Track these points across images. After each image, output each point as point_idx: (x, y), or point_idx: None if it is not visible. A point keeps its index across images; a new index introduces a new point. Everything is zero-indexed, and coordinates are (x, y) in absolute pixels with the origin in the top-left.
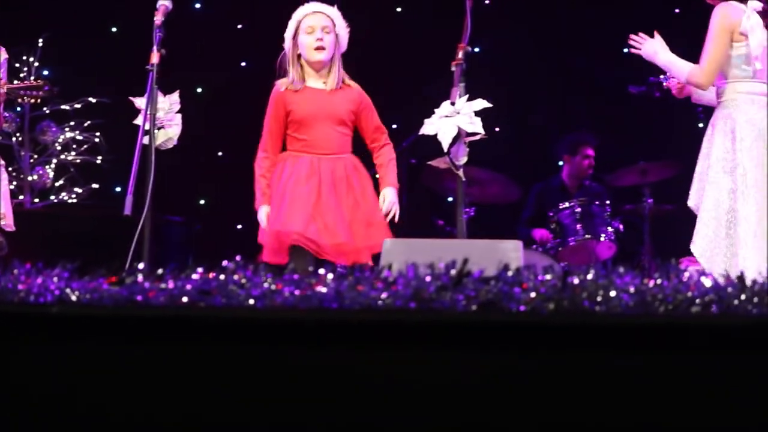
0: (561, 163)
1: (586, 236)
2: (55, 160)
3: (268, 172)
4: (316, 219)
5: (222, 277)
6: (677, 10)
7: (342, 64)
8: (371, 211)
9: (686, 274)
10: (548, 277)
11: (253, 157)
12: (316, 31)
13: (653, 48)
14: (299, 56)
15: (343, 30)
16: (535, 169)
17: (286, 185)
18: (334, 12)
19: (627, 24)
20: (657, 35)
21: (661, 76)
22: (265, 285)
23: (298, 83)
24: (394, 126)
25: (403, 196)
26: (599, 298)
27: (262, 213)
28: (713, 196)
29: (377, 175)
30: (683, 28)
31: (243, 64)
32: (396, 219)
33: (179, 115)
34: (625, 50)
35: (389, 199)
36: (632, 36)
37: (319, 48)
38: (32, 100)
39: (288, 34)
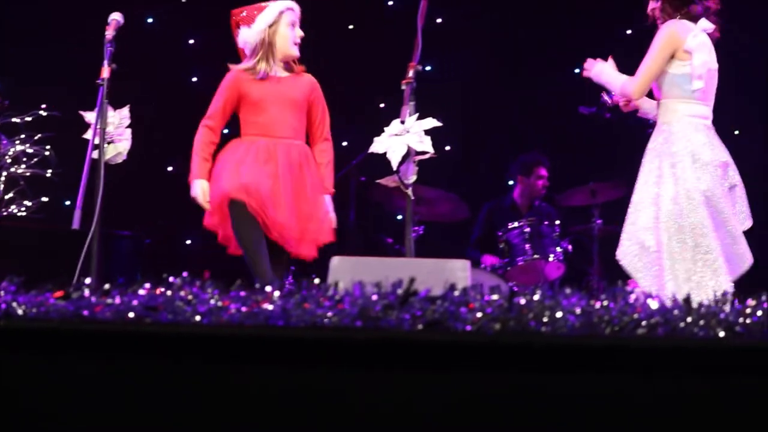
0: (512, 183)
1: (535, 256)
2: (5, 173)
3: (209, 146)
4: (271, 195)
5: (169, 293)
6: (629, 31)
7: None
8: (317, 205)
9: (633, 296)
10: (495, 297)
11: None
12: (297, 26)
13: (600, 68)
14: (270, 44)
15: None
16: (485, 189)
17: (243, 160)
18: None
19: (578, 45)
20: (611, 59)
21: (604, 93)
22: (212, 301)
23: (264, 73)
24: (345, 143)
25: (352, 213)
26: (545, 319)
27: (197, 187)
28: (646, 214)
29: None
30: (637, 48)
31: (194, 79)
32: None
33: (129, 130)
34: (577, 71)
35: (331, 210)
36: (588, 60)
37: (297, 44)
38: None
39: (265, 22)
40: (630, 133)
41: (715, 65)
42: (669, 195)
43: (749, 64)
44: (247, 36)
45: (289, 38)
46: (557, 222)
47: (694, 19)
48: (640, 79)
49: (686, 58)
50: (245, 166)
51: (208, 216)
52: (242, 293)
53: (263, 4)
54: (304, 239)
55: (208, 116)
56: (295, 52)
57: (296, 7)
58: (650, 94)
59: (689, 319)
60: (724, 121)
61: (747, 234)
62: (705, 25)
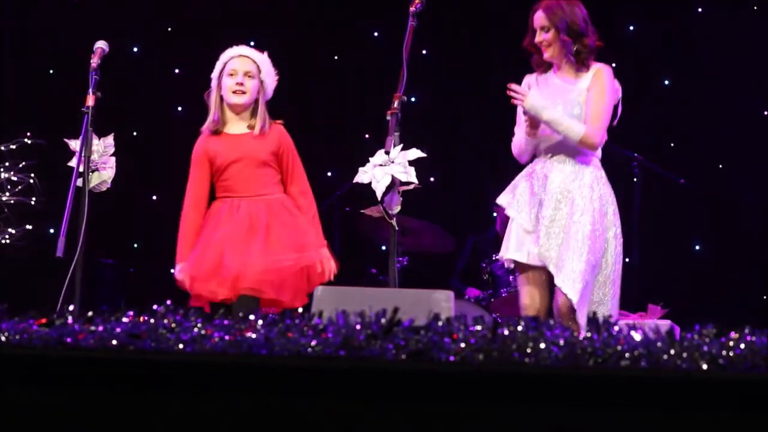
0: (495, 214)
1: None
2: None
3: (193, 226)
4: (217, 268)
5: (152, 321)
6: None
7: (266, 110)
8: (294, 241)
9: (616, 328)
10: (478, 327)
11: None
12: (238, 74)
13: (540, 103)
14: (221, 98)
15: (269, 77)
16: (469, 220)
17: (204, 237)
18: (260, 57)
19: None
20: (534, 89)
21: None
22: (195, 330)
23: (218, 124)
24: (329, 174)
25: (336, 244)
26: (529, 350)
27: (178, 270)
28: (586, 255)
29: None
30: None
31: (179, 108)
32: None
33: (113, 158)
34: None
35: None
36: (512, 86)
37: (238, 92)
38: None
39: (214, 74)
40: (612, 166)
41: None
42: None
43: None
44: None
45: (227, 87)
46: None
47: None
48: (601, 130)
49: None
50: (198, 250)
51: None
52: (225, 322)
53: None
54: (285, 284)
55: (186, 203)
56: (233, 99)
57: (236, 53)
58: None
59: (672, 351)
60: (757, 103)
61: None
62: None
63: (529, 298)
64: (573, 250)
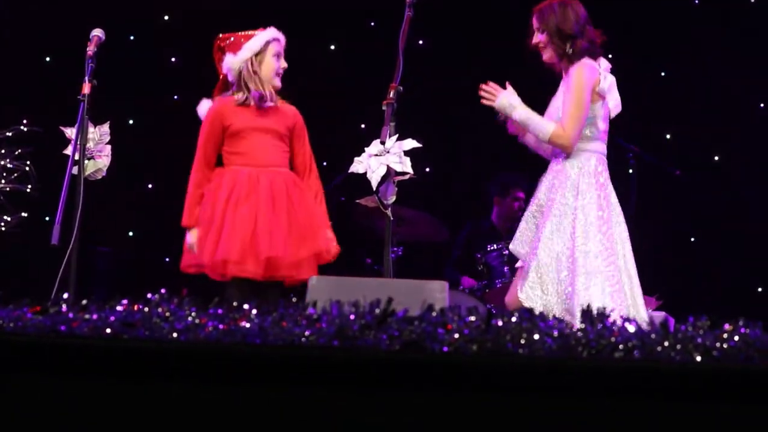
0: (491, 204)
1: (514, 279)
2: None
3: (200, 189)
4: (252, 247)
5: (146, 309)
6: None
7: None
8: (309, 228)
9: (610, 319)
10: (472, 318)
11: (181, 189)
12: (282, 58)
13: (509, 101)
14: (254, 72)
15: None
16: (464, 210)
17: (226, 209)
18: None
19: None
20: (509, 86)
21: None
22: (189, 319)
23: (251, 99)
24: (324, 163)
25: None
26: (523, 341)
27: (192, 237)
28: (553, 249)
29: None
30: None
31: (175, 97)
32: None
33: (109, 146)
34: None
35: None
36: (483, 86)
37: (279, 75)
38: None
39: (251, 50)
40: (610, 158)
41: (620, 106)
42: (580, 232)
43: None
44: (231, 63)
45: (273, 69)
46: None
47: (591, 54)
48: (574, 128)
49: (597, 100)
50: (225, 226)
51: (186, 264)
52: (220, 311)
53: (251, 32)
54: (302, 263)
55: (197, 165)
56: (278, 83)
57: (282, 38)
58: None
59: (666, 343)
60: (753, 95)
61: None
62: (605, 64)
63: (511, 298)
64: (538, 245)
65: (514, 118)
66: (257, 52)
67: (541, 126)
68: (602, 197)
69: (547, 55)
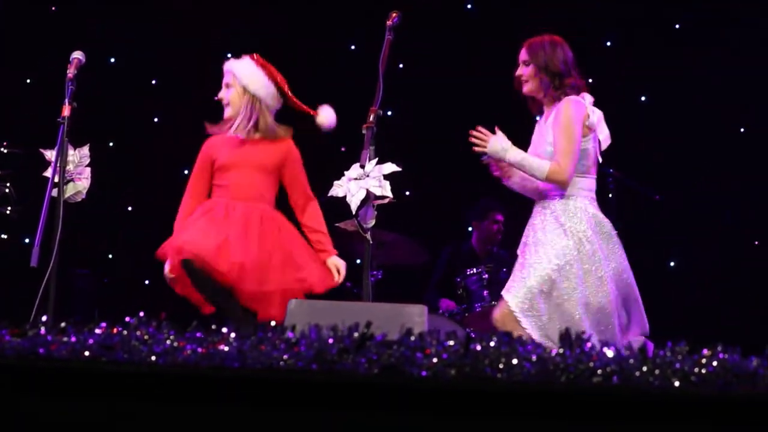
0: (470, 228)
1: (493, 303)
2: None
3: (184, 218)
4: (224, 250)
5: (125, 332)
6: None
7: (264, 116)
8: (291, 257)
9: (589, 344)
10: (451, 342)
11: (161, 212)
12: (223, 88)
13: (501, 145)
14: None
15: (253, 82)
16: (445, 234)
17: (200, 217)
18: (236, 64)
19: None
20: (498, 131)
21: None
22: (168, 342)
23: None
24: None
25: None
26: (501, 365)
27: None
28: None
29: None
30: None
31: (155, 119)
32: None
33: (89, 169)
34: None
35: (342, 271)
36: (474, 132)
37: (224, 105)
38: None
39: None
40: None
41: (609, 138)
42: (573, 269)
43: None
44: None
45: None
46: None
47: (575, 91)
48: (569, 163)
49: (587, 134)
50: (195, 224)
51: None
52: (198, 334)
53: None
54: (265, 296)
55: (185, 194)
56: (224, 114)
57: (226, 67)
58: None
59: (645, 368)
60: (733, 120)
61: None
62: (590, 99)
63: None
64: (522, 272)
65: (507, 160)
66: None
67: (537, 165)
68: (586, 239)
69: (528, 88)
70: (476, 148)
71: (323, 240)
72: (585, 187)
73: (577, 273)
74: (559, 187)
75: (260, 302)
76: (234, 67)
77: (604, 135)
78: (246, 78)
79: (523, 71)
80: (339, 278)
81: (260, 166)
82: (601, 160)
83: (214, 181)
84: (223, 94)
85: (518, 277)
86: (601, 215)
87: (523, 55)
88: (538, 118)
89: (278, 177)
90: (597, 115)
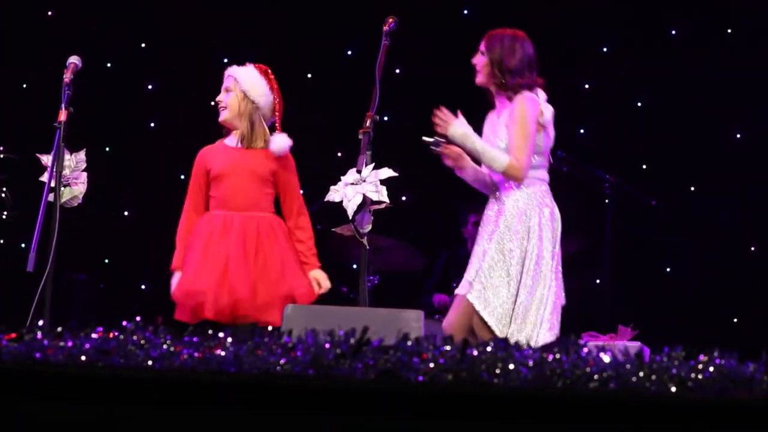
0: (469, 227)
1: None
2: None
3: (186, 232)
4: (222, 287)
5: (121, 337)
6: (587, 85)
7: (261, 124)
8: (282, 269)
9: (585, 349)
10: (447, 347)
11: (158, 216)
12: (222, 91)
13: (463, 130)
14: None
15: (254, 88)
16: (441, 239)
17: (198, 244)
18: (239, 70)
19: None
20: (460, 115)
21: (426, 138)
22: (164, 346)
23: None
24: (300, 191)
25: None
26: (498, 370)
27: (174, 279)
28: (504, 279)
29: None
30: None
31: (152, 124)
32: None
33: (85, 174)
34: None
35: (324, 284)
36: (437, 112)
37: (220, 108)
38: None
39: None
40: (585, 188)
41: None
42: (532, 261)
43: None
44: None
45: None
46: None
47: (530, 88)
48: (525, 158)
49: (540, 130)
50: (194, 264)
51: (178, 312)
52: (195, 339)
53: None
54: (266, 306)
55: (184, 209)
56: (219, 117)
57: (228, 72)
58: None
59: (641, 374)
60: (730, 126)
61: None
62: (544, 96)
63: (448, 323)
64: (485, 271)
65: (467, 147)
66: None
67: (496, 157)
68: (549, 228)
69: (479, 80)
70: (438, 128)
71: (307, 253)
72: (538, 177)
73: (532, 266)
74: (513, 181)
75: (258, 312)
76: (237, 72)
77: (552, 132)
78: (247, 84)
79: (477, 60)
80: (319, 290)
81: (254, 175)
82: (551, 160)
83: (210, 191)
84: (221, 98)
85: (475, 268)
86: (553, 205)
87: (482, 44)
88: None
89: (273, 184)
90: (550, 112)
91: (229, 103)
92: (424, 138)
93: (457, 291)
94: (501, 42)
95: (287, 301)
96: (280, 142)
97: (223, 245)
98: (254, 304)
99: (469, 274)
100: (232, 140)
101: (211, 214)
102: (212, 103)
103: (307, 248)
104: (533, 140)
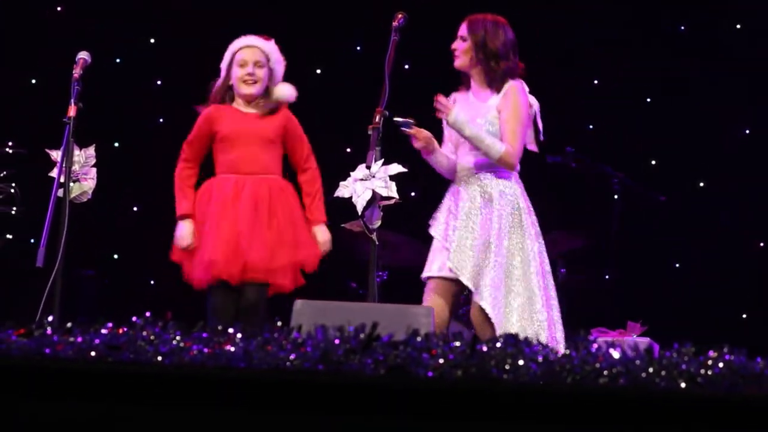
0: None
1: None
2: None
3: (187, 179)
4: (234, 250)
5: (131, 332)
6: (596, 81)
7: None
8: (291, 235)
9: (595, 345)
10: (457, 343)
11: (167, 212)
12: (248, 65)
13: (462, 118)
14: (231, 86)
15: (278, 64)
16: None
17: (212, 212)
18: (268, 46)
19: (544, 91)
20: (458, 105)
21: (398, 119)
22: (174, 342)
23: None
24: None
25: None
26: (507, 366)
27: (185, 229)
28: (502, 266)
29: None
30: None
31: (161, 120)
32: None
33: (94, 169)
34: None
35: (323, 239)
36: (439, 98)
37: (249, 81)
38: None
39: (223, 65)
40: (593, 184)
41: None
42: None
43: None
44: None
45: (238, 78)
46: None
47: (515, 74)
48: (520, 148)
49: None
50: (209, 231)
51: (176, 251)
52: (204, 334)
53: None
54: (279, 268)
55: (182, 159)
56: (244, 90)
57: (252, 45)
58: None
59: (651, 370)
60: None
61: None
62: (526, 88)
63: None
64: (485, 264)
65: (466, 134)
66: (228, 65)
67: (494, 144)
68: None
69: (459, 63)
70: (439, 114)
71: (312, 206)
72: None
73: (536, 264)
74: (505, 169)
75: (272, 275)
76: (267, 48)
77: (540, 122)
78: (276, 63)
79: (458, 45)
80: (321, 249)
81: (265, 139)
82: (537, 150)
83: (219, 153)
84: (257, 71)
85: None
86: (525, 195)
87: (462, 30)
88: (460, 92)
89: (282, 147)
90: (536, 105)
91: (261, 78)
92: (396, 119)
93: (431, 273)
94: (484, 26)
95: (298, 266)
96: (287, 90)
97: (236, 210)
98: (269, 266)
99: (459, 263)
100: (241, 104)
101: (222, 178)
102: (246, 75)
103: (311, 201)
104: (527, 129)
